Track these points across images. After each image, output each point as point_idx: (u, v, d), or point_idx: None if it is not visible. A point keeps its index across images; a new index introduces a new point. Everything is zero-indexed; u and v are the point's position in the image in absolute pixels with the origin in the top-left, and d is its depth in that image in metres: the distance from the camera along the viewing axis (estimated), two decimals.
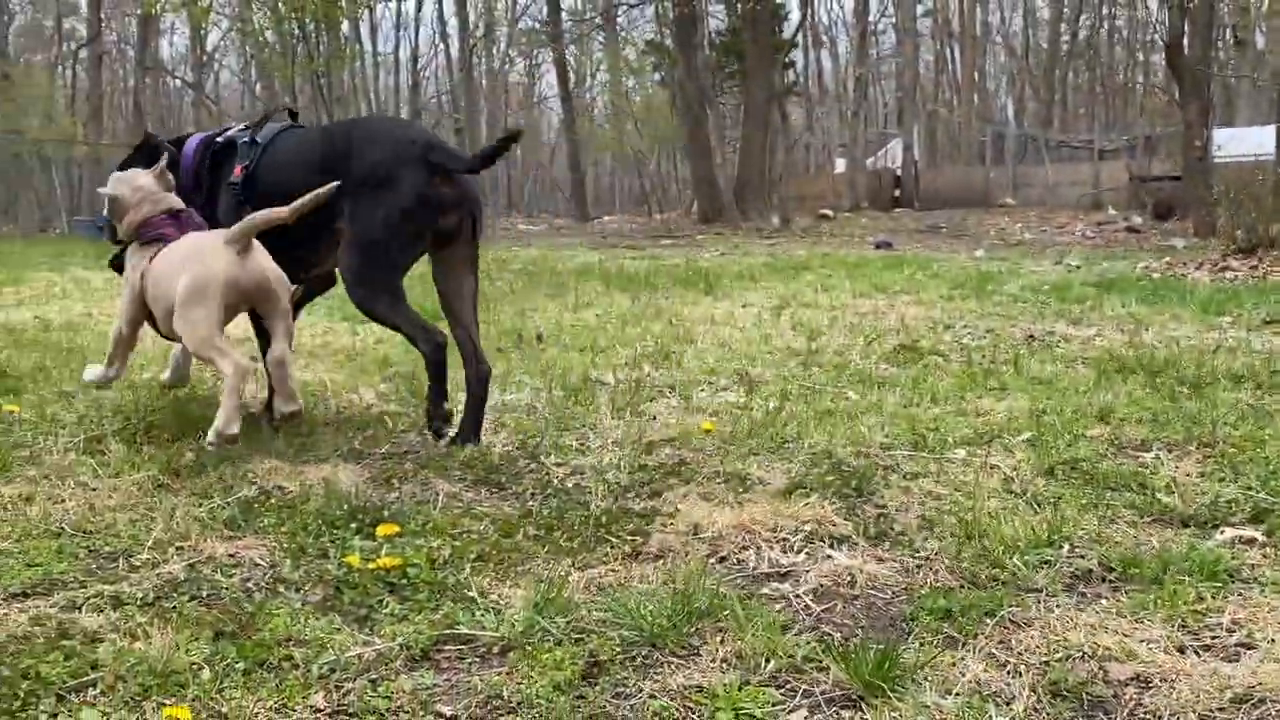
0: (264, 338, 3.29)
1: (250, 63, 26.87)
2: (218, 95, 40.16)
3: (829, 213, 23.87)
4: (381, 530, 2.34)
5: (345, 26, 24.88)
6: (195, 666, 1.70)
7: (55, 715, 1.55)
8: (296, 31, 18.48)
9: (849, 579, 2.11)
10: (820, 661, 1.71)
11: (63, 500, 2.64)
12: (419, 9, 38.06)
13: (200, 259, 3.01)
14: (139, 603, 1.98)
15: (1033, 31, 40.97)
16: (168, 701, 1.59)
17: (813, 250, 13.31)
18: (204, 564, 2.21)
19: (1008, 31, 42.14)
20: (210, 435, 2.98)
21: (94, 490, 2.71)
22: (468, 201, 3.22)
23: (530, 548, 2.28)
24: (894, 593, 2.06)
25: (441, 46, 39.12)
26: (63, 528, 2.42)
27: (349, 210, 3.15)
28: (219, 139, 3.49)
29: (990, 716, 1.56)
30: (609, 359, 4.74)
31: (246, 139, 3.41)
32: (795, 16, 28.22)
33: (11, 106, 25.93)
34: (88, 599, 2.01)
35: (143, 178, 3.32)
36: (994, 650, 1.77)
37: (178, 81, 39.11)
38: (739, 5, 25.92)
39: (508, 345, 5.11)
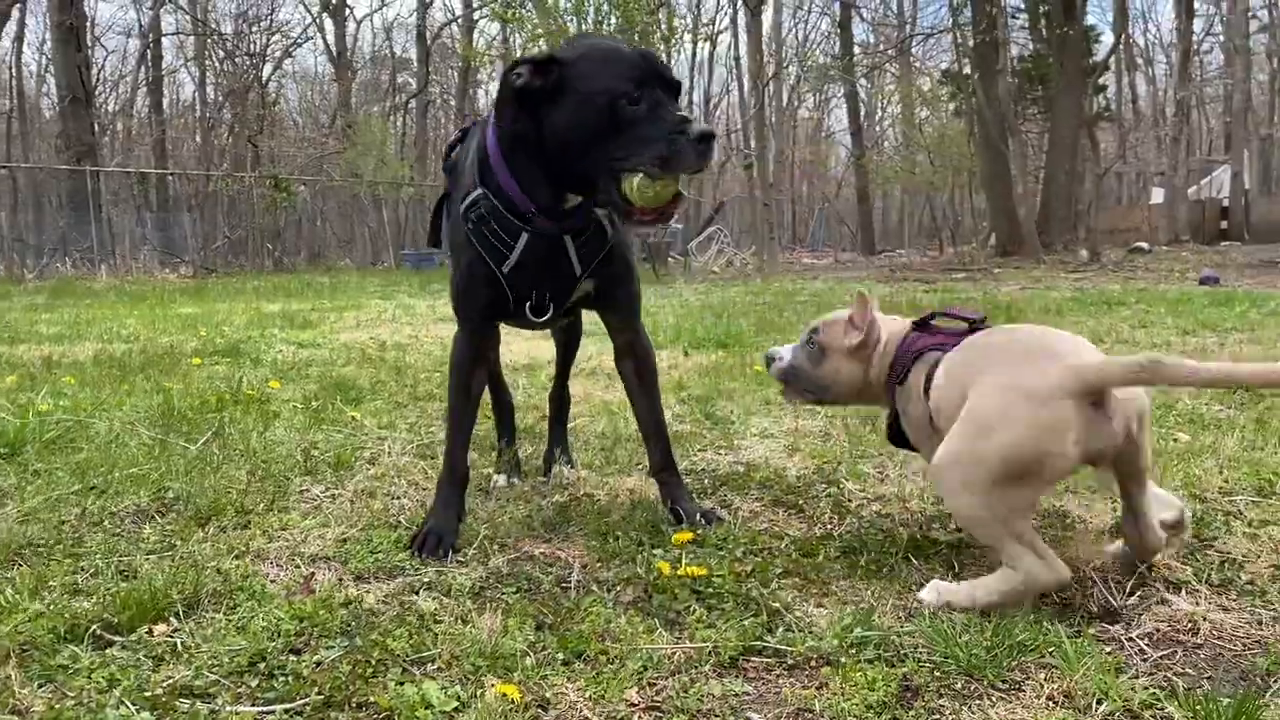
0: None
1: None
2: None
3: (1144, 246, 22.15)
4: (677, 537, 2.40)
5: None
6: (520, 652, 1.80)
7: (401, 684, 1.69)
8: None
9: (1190, 626, 1.91)
10: (1162, 708, 1.56)
11: (399, 497, 2.90)
12: (713, 50, 39.23)
13: None
14: (468, 591, 2.13)
15: None
16: (497, 680, 1.70)
17: (1126, 285, 12.33)
18: (524, 560, 2.34)
19: None
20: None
21: (425, 490, 2.95)
22: None
23: (832, 568, 2.25)
24: (1245, 645, 1.85)
25: (734, 85, 40.08)
26: (399, 520, 2.66)
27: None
28: None
29: None
30: None
31: None
32: (1108, 40, 26.53)
33: (353, 152, 29.05)
34: (423, 584, 2.18)
35: None
36: None
37: None
38: (1044, 30, 24.73)
39: None
